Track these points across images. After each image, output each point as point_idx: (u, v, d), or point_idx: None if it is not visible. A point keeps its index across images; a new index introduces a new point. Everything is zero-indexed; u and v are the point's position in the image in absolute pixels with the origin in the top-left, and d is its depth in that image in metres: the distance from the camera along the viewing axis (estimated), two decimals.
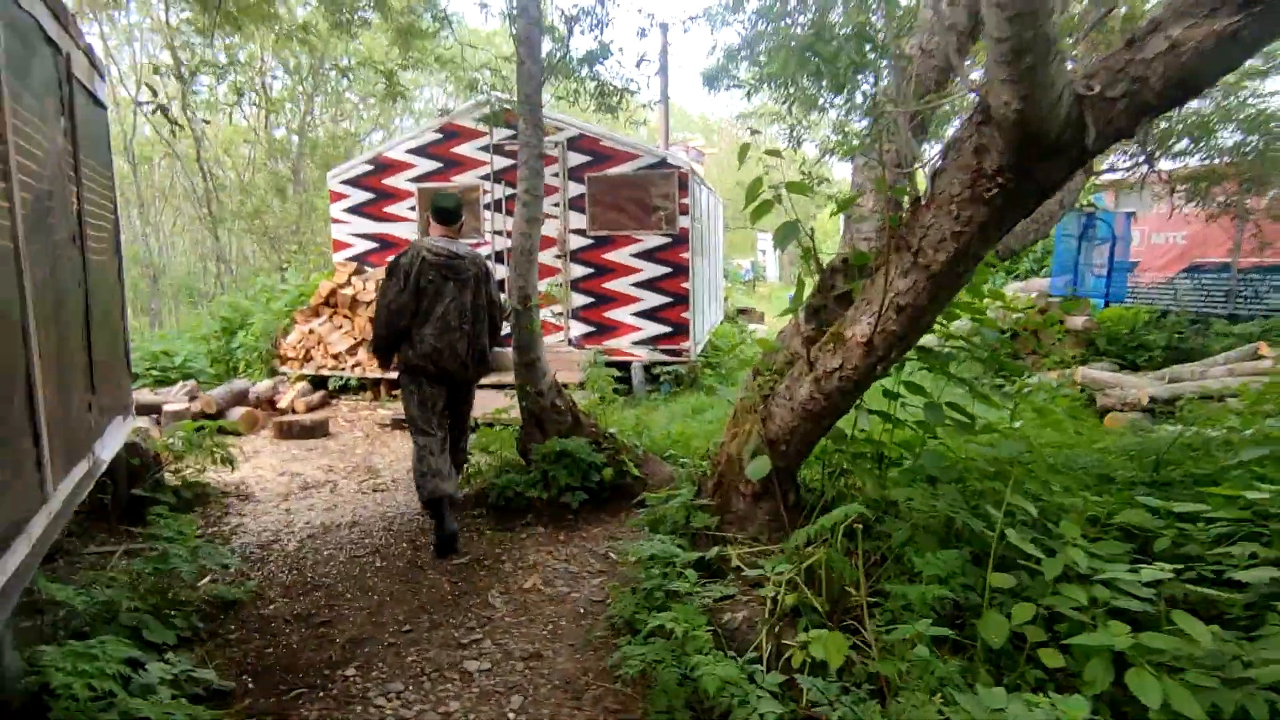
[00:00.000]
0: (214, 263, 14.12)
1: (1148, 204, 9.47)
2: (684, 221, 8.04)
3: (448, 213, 4.16)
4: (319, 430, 6.50)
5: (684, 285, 8.13)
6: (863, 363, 2.89)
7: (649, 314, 8.22)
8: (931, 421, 3.06)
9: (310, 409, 7.63)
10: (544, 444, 4.43)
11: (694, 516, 3.39)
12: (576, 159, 8.20)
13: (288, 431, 6.42)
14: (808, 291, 3.62)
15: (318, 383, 8.12)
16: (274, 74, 15.31)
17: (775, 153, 2.98)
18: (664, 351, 8.23)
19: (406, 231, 8.68)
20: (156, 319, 12.87)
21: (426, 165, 8.56)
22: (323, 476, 5.44)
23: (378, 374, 7.90)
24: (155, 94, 4.30)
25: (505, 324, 4.42)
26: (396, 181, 8.65)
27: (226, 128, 14.79)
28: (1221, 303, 8.72)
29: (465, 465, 4.63)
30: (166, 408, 6.27)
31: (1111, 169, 9.77)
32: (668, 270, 8.13)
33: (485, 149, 8.36)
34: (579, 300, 8.35)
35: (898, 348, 2.86)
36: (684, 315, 8.18)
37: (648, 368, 8.14)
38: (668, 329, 8.20)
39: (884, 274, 2.76)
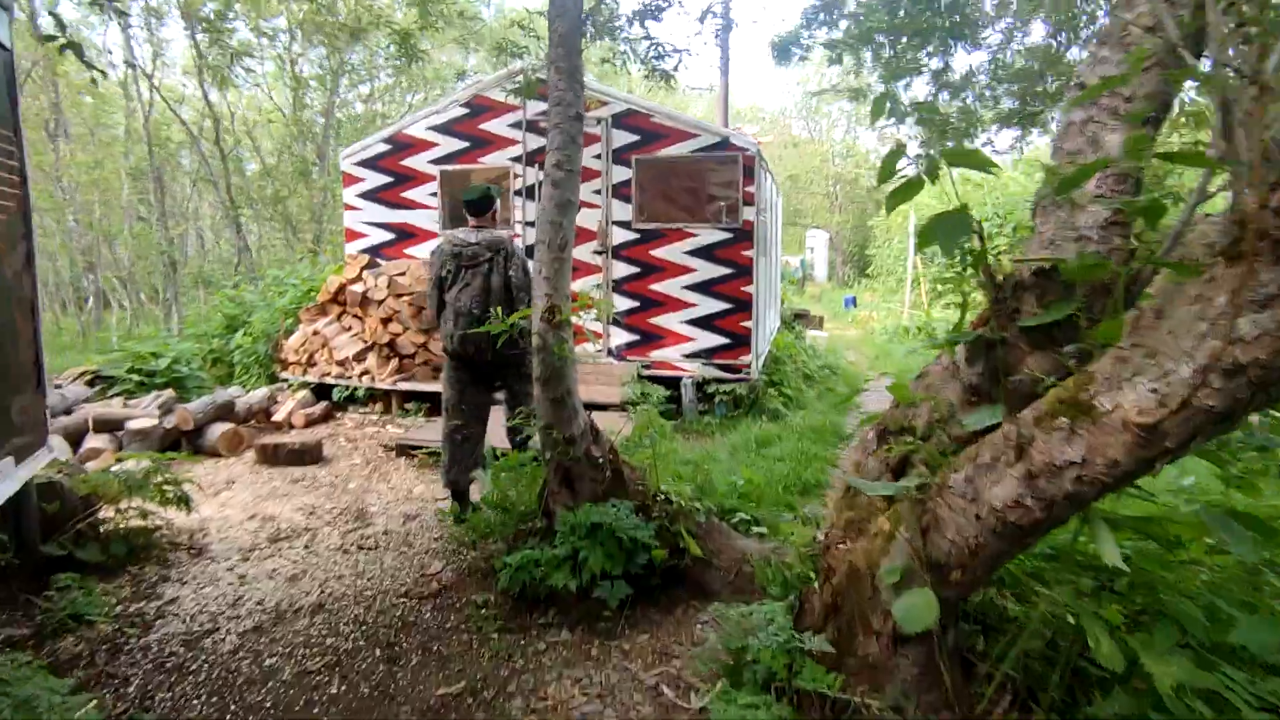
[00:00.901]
0: (237, 252, 13.35)
1: None
2: (748, 214, 6.80)
3: (474, 204, 4.26)
4: (310, 455, 5.45)
5: (746, 289, 6.89)
6: (1132, 456, 1.64)
7: (703, 322, 7.00)
8: (1232, 545, 1.77)
9: (310, 423, 6.61)
10: (574, 511, 3.27)
11: (801, 669, 2.18)
12: (623, 138, 7.01)
13: (273, 456, 5.38)
14: (970, 316, 2.39)
15: (321, 392, 7.11)
16: (306, 55, 14.46)
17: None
18: (720, 367, 7.01)
19: (427, 221, 7.61)
20: (171, 310, 12.16)
21: (451, 144, 7.45)
22: (301, 522, 4.37)
23: (388, 384, 6.85)
24: (63, 27, 3.24)
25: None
26: (417, 162, 7.57)
27: (247, 105, 13.99)
28: None
29: (524, 447, 4.24)
30: (131, 424, 5.28)
31: None
32: (727, 271, 6.90)
33: (517, 125, 7.23)
34: (622, 304, 7.17)
35: (1214, 432, 1.61)
36: (744, 325, 6.94)
37: (700, 385, 6.93)
38: (725, 340, 6.98)
39: (1203, 299, 1.52)
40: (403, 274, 7.15)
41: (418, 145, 7.54)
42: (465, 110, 7.39)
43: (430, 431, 5.76)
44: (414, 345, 7.04)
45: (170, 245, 12.84)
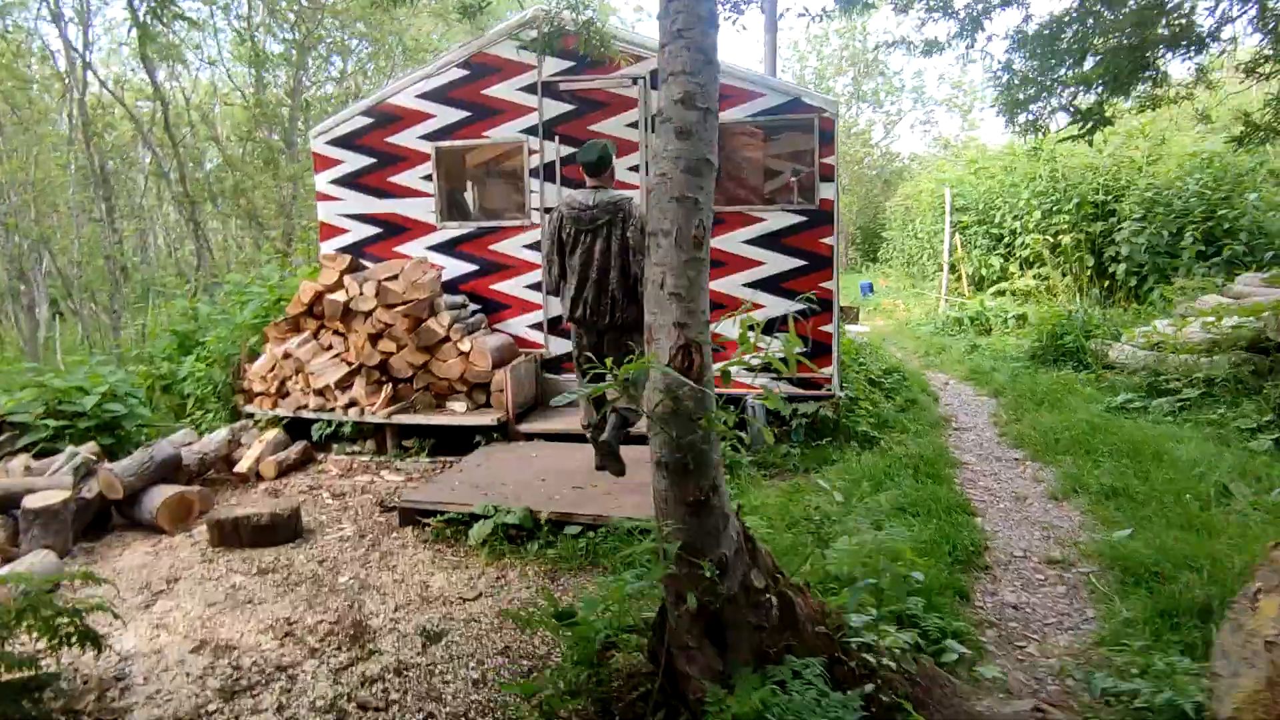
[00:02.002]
0: (197, 254, 11.77)
1: None
2: (826, 191, 5.45)
3: (592, 165, 4.12)
4: (284, 529, 4.04)
5: (825, 285, 5.56)
6: None
7: (769, 327, 5.64)
8: None
9: (284, 470, 5.18)
10: (726, 680, 1.93)
11: None
12: None
13: (231, 534, 3.97)
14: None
15: (297, 428, 5.67)
16: (268, 26, 12.82)
17: None
18: (794, 383, 5.67)
19: (421, 212, 6.17)
20: (118, 326, 10.51)
21: (448, 115, 6.01)
22: (272, 653, 2.98)
23: (380, 416, 5.43)
24: None
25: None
26: (405, 139, 6.12)
27: (204, 92, 12.36)
28: None
29: (630, 417, 4.33)
30: (30, 501, 3.83)
31: None
32: (800, 263, 5.55)
33: (531, 89, 5.80)
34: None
35: None
36: (825, 329, 5.61)
37: (763, 403, 5.58)
38: (800, 349, 5.62)
39: None
40: (394, 278, 5.72)
41: (407, 117, 6.09)
42: (465, 72, 5.94)
43: (440, 489, 4.37)
44: (411, 367, 5.63)
45: (118, 248, 11.21)
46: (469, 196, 6.53)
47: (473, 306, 6.06)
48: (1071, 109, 7.96)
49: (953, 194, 12.41)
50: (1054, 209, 10.38)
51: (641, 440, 5.12)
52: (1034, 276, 10.65)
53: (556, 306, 5.87)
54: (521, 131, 5.88)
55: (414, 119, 6.07)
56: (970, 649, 2.77)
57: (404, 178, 6.16)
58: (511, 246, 6.02)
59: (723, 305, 5.59)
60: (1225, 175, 8.99)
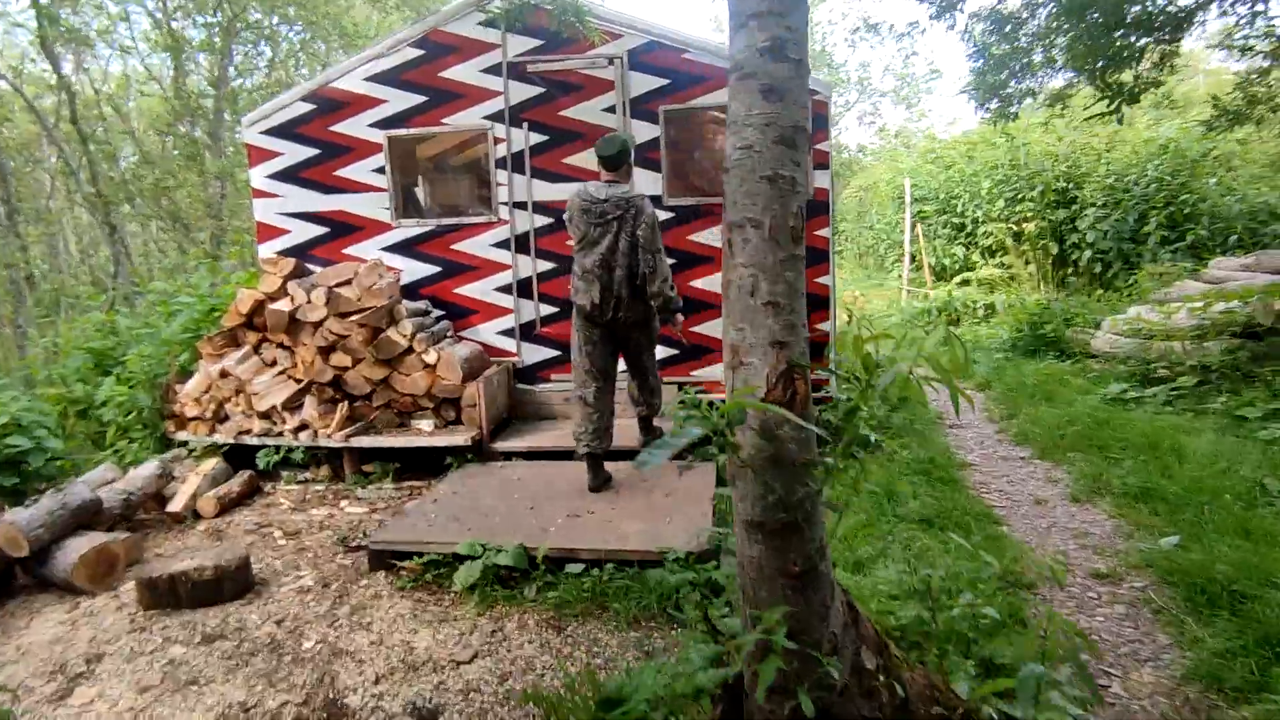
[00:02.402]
0: (114, 260, 10.70)
1: None
2: (821, 180, 5.09)
3: (610, 159, 4.02)
4: (230, 583, 3.43)
5: (822, 280, 5.20)
6: None
7: None
8: None
9: (226, 507, 4.54)
10: None
11: None
12: (645, 83, 5.16)
13: (167, 593, 3.35)
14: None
15: (240, 456, 5.01)
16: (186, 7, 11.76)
17: None
18: None
19: (374, 208, 5.55)
20: (23, 343, 9.38)
21: (402, 99, 5.41)
22: None
23: (337, 440, 4.83)
24: None
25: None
26: (353, 128, 5.49)
27: (118, 86, 11.26)
28: None
29: (646, 414, 4.56)
30: None
31: None
32: None
33: (495, 70, 5.26)
34: None
35: None
36: (821, 328, 5.26)
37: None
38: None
39: None
40: (347, 283, 5.11)
41: (355, 103, 5.46)
42: (420, 52, 5.35)
43: (414, 523, 3.83)
44: (370, 383, 5.03)
45: (21, 255, 10.06)
46: (428, 191, 5.94)
47: (436, 312, 5.49)
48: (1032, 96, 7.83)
49: (911, 184, 12.31)
50: (1017, 197, 10.34)
51: (623, 455, 4.72)
52: (997, 265, 10.61)
53: (529, 310, 5.37)
54: (485, 118, 5.33)
55: (363, 105, 5.44)
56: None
57: (353, 170, 5.53)
58: (477, 245, 5.47)
59: (713, 305, 5.21)
60: (1184, 161, 9.07)
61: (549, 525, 3.73)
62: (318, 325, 5.00)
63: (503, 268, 5.46)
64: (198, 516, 4.45)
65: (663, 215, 5.21)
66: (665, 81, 5.13)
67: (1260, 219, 8.58)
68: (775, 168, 1.50)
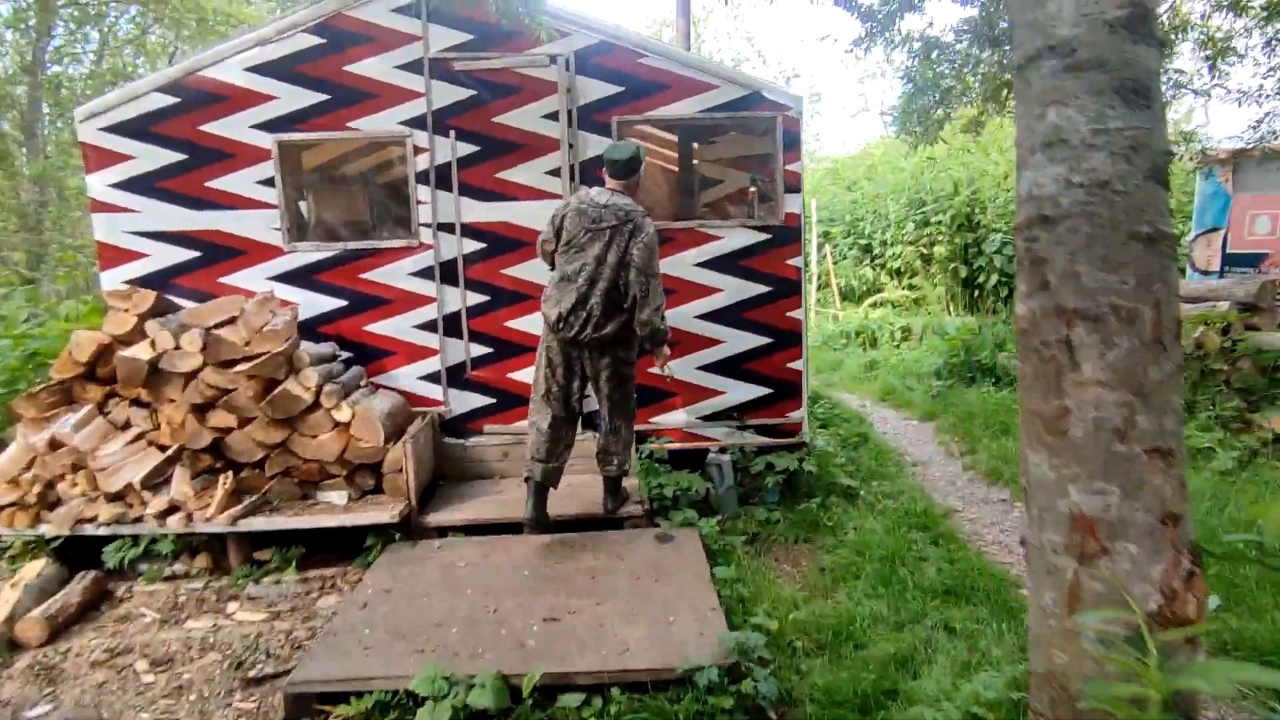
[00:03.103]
0: None
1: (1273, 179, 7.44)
2: (792, 204, 4.63)
3: (619, 165, 3.68)
4: None
5: (793, 315, 4.74)
6: None
7: (731, 366, 4.74)
8: None
9: (59, 628, 3.41)
10: None
11: None
12: (596, 89, 4.50)
13: None
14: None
15: (78, 552, 3.82)
16: None
17: None
18: (759, 430, 4.79)
19: (260, 228, 4.51)
20: None
21: (296, 96, 4.43)
22: None
23: (221, 523, 3.77)
24: None
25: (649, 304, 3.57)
26: (232, 128, 4.44)
27: None
28: None
29: (616, 473, 3.97)
30: None
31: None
32: (763, 289, 4.68)
33: (414, 67, 4.40)
34: None
35: None
36: (793, 366, 4.79)
37: (733, 459, 4.65)
38: (763, 391, 4.77)
39: None
40: (230, 322, 4.06)
41: (235, 98, 4.41)
42: (319, 40, 4.40)
43: (343, 645, 2.92)
44: (263, 448, 4.01)
45: None
46: (331, 209, 4.95)
47: (343, 355, 4.52)
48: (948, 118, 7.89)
49: (817, 205, 12.35)
50: (925, 221, 10.52)
51: (584, 524, 4.00)
52: (906, 287, 10.76)
53: (458, 351, 4.54)
54: (403, 123, 4.45)
55: (245, 100, 4.41)
56: None
57: (232, 181, 4.47)
58: (393, 274, 4.56)
59: (676, 342, 4.61)
60: None
61: (524, 635, 2.96)
62: (190, 377, 3.93)
63: (425, 301, 4.58)
64: (17, 647, 3.27)
65: None
66: (619, 89, 4.49)
67: None
68: (1151, 219, 0.91)
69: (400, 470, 4.06)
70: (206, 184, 4.46)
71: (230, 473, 3.97)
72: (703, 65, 4.47)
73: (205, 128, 4.42)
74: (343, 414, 4.02)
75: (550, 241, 3.73)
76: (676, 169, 5.54)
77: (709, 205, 5.13)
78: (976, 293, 9.95)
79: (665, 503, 4.20)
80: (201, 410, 3.96)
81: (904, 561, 3.73)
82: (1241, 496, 4.25)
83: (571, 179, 4.54)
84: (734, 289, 4.66)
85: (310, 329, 4.53)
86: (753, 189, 4.67)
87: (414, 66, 4.40)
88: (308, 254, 4.53)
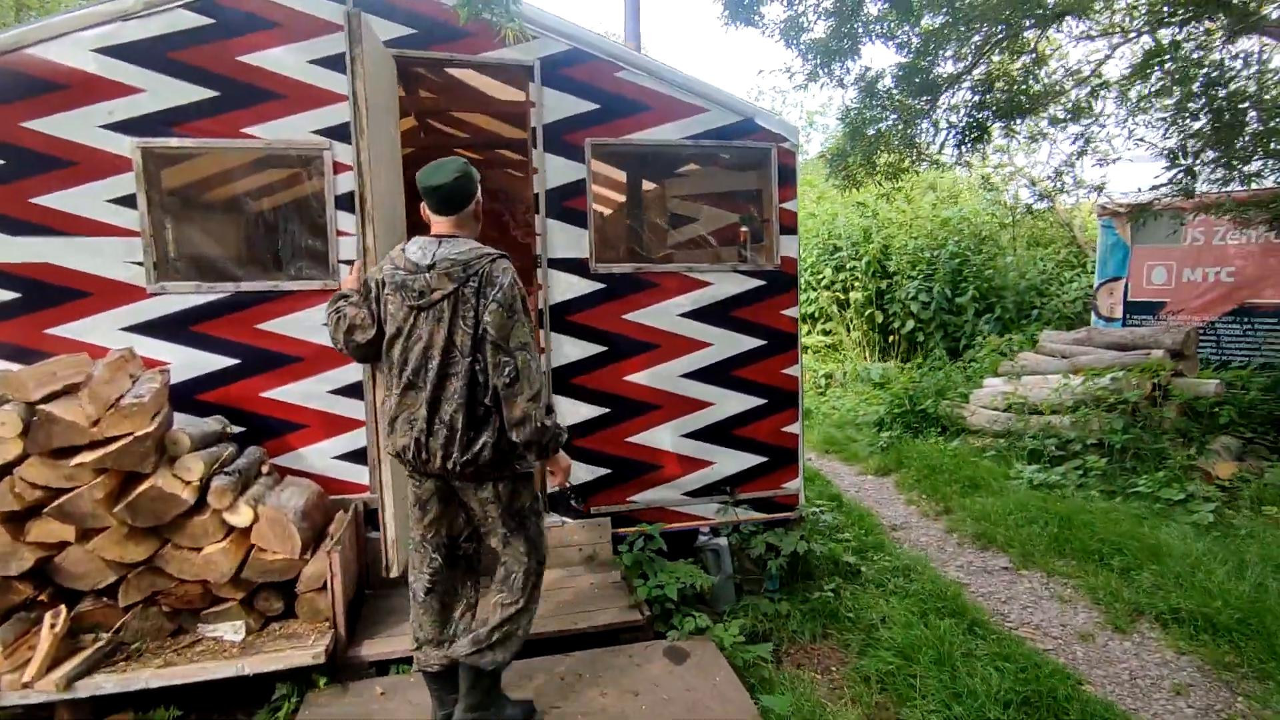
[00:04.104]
0: None
1: (1167, 233, 7.92)
2: (788, 247, 4.09)
3: (440, 195, 2.39)
4: None
5: (788, 372, 4.16)
6: None
7: (719, 433, 4.07)
8: None
9: None
10: None
11: None
12: (567, 104, 3.77)
13: None
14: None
15: None
16: None
17: None
18: (754, 504, 4.14)
19: (111, 263, 3.34)
20: None
21: (170, 91, 3.35)
22: None
23: (52, 688, 2.56)
24: None
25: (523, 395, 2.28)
26: (74, 128, 3.28)
27: None
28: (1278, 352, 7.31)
29: (492, 664, 2.47)
30: None
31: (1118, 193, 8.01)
32: (758, 342, 4.08)
33: (336, 64, 3.46)
34: (573, 413, 3.88)
35: None
36: (788, 430, 4.19)
37: (728, 540, 3.96)
38: (757, 458, 4.14)
39: None
40: (70, 392, 2.89)
41: (78, 87, 3.26)
42: (205, 20, 3.36)
43: None
44: (117, 568, 2.84)
45: None
46: (215, 238, 3.83)
47: (232, 429, 3.41)
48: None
49: None
50: (841, 266, 10.50)
51: (589, 638, 3.12)
52: (821, 332, 10.67)
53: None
54: (319, 132, 3.49)
55: (95, 91, 3.27)
56: None
57: (72, 198, 3.29)
58: (304, 325, 3.53)
59: (658, 406, 3.89)
60: (978, 237, 9.90)
61: None
62: (5, 469, 2.72)
63: (345, 358, 3.57)
64: None
65: (587, 287, 3.82)
66: (592, 106, 3.78)
67: (1031, 295, 9.55)
68: None
69: (323, 588, 3.01)
70: (32, 200, 3.25)
71: (63, 608, 2.77)
72: (689, 85, 3.87)
73: (31, 125, 3.23)
74: (240, 516, 2.93)
75: (365, 330, 2.45)
76: (683, 203, 4.84)
77: (677, 248, 4.49)
78: (892, 338, 10.00)
79: (667, 604, 3.41)
80: (18, 521, 2.74)
81: (956, 663, 3.17)
82: (1254, 550, 4.09)
83: (536, 210, 3.75)
84: (724, 343, 4.02)
85: (185, 396, 3.39)
86: (744, 229, 4.10)
87: (334, 63, 3.46)
88: (183, 297, 3.41)
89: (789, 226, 4.05)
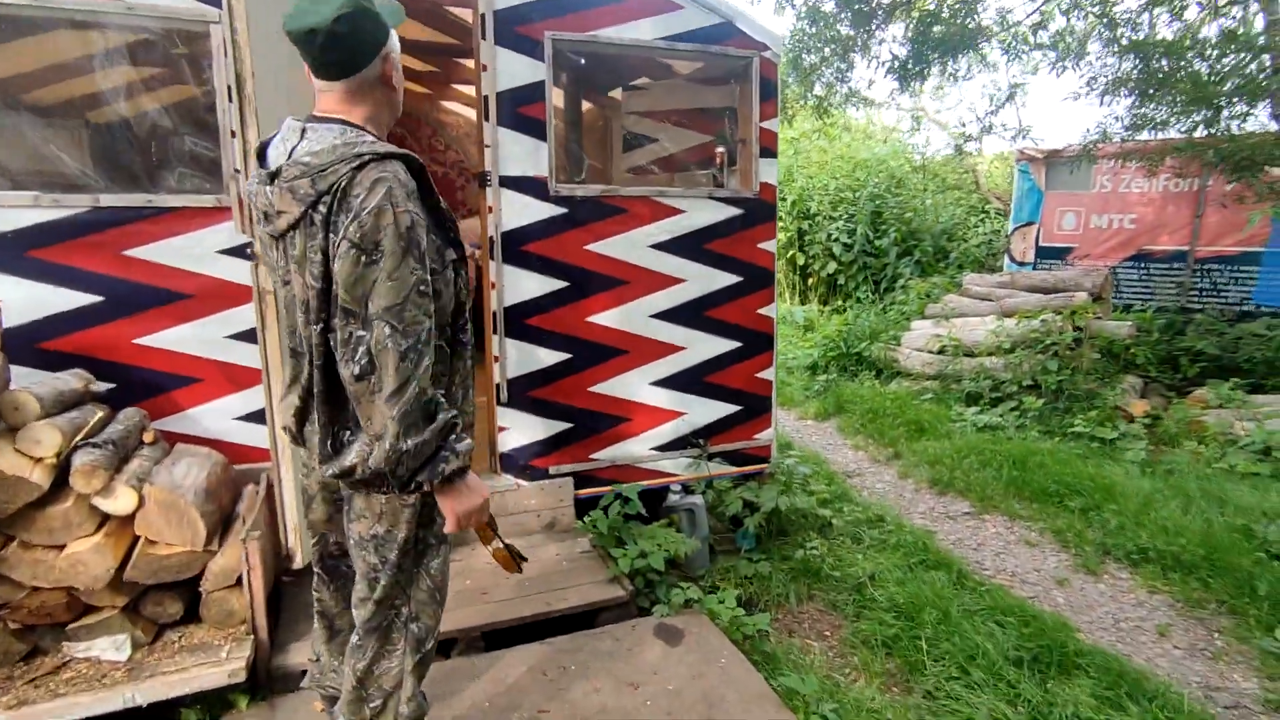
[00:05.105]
0: None
1: (1084, 178, 8.15)
2: (767, 172, 3.66)
3: (312, 45, 1.46)
4: None
5: (764, 312, 3.79)
6: None
7: (691, 380, 3.67)
8: None
9: None
10: None
11: None
12: None
13: None
14: None
15: None
16: None
17: None
18: (726, 458, 3.80)
19: None
20: None
21: None
22: None
23: None
24: None
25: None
26: None
27: None
28: (1172, 296, 7.76)
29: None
30: None
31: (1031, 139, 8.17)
32: (733, 279, 3.67)
33: None
34: (528, 358, 3.34)
35: None
36: (762, 376, 3.84)
37: (704, 499, 3.61)
38: (730, 408, 3.78)
39: None
40: None
41: None
42: None
43: None
44: None
45: None
46: (63, 138, 2.91)
47: (98, 387, 2.64)
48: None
49: None
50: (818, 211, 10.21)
51: (567, 621, 2.65)
52: None
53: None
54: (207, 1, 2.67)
55: None
56: None
57: None
58: (190, 253, 2.77)
59: (625, 350, 3.44)
60: (894, 180, 9.88)
61: None
62: None
63: (241, 294, 2.84)
64: None
65: (545, 211, 3.25)
66: None
67: (943, 240, 9.70)
68: None
69: (237, 584, 2.40)
70: None
71: None
72: None
73: None
74: (118, 501, 2.24)
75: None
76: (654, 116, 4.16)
77: (644, 170, 3.96)
78: (810, 280, 9.92)
79: (651, 575, 3.03)
80: None
81: (957, 622, 3.00)
82: (1193, 486, 4.21)
83: (485, 116, 3.11)
84: (698, 279, 3.58)
85: (25, 344, 2.58)
86: (721, 150, 3.62)
87: None
88: (14, 212, 2.56)
89: (769, 149, 3.61)
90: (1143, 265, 7.89)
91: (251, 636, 2.39)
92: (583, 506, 3.47)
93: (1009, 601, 3.19)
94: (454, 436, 1.50)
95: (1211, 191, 7.40)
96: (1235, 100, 5.62)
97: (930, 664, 2.76)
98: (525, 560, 1.83)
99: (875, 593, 3.24)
